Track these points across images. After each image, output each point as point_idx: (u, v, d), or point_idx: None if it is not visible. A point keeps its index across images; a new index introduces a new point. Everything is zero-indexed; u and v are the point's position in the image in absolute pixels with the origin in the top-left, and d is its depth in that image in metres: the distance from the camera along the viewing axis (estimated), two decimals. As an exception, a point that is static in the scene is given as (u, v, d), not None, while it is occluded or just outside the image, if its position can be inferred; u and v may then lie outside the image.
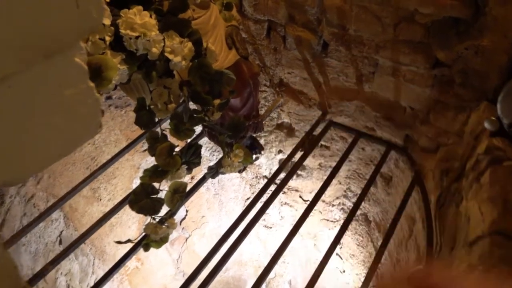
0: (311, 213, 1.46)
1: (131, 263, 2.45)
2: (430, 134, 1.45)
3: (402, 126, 1.56)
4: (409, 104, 1.47)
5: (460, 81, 1.29)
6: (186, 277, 2.99)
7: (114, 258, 2.14)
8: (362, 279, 2.25)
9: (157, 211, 1.22)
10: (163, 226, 1.21)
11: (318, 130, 1.77)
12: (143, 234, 1.25)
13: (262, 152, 2.19)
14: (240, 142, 1.50)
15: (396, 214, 1.35)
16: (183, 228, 2.77)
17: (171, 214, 1.26)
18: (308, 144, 1.68)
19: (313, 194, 2.37)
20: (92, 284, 1.99)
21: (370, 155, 1.84)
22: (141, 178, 1.23)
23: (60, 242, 1.71)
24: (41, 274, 1.19)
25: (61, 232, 1.71)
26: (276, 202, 2.74)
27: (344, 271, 2.42)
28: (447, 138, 1.40)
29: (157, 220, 1.25)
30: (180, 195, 1.27)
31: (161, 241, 1.23)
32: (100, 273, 2.04)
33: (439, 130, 1.41)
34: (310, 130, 1.72)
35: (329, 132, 1.80)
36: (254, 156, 1.63)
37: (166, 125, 1.32)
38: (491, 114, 1.13)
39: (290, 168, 1.68)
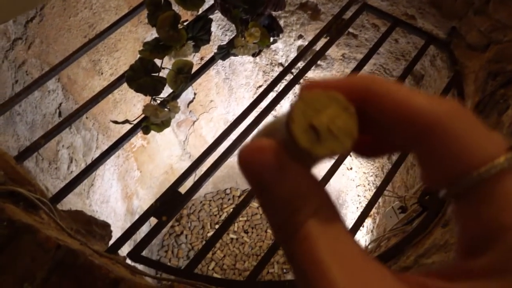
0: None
1: (136, 141, 2.42)
2: (483, 28, 1.22)
3: (450, 16, 1.32)
4: (466, -12, 1.21)
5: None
6: (192, 158, 3.01)
7: (118, 134, 2.08)
8: (370, 178, 2.23)
9: (158, 91, 1.09)
10: (165, 109, 1.09)
11: (348, 14, 1.52)
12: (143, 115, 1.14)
13: (280, 35, 1.96)
14: (257, 19, 1.29)
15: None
16: (190, 111, 2.68)
17: (174, 96, 1.13)
18: (336, 29, 1.46)
19: (330, 88, 2.21)
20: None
21: (403, 49, 1.62)
22: (140, 52, 1.06)
23: (60, 115, 1.62)
24: (33, 148, 1.11)
25: (60, 104, 1.61)
26: (289, 92, 2.60)
27: (351, 168, 2.38)
28: (504, 34, 1.17)
29: (158, 101, 1.12)
30: (185, 75, 1.12)
31: (162, 125, 1.13)
32: (105, 148, 2.01)
33: (496, 23, 1.18)
34: (339, 13, 1.48)
35: (360, 18, 1.56)
36: (271, 39, 1.42)
37: (172, -9, 1.11)
38: None
39: (310, 57, 1.49)
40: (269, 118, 2.80)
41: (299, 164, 0.20)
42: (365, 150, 0.24)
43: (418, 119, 0.19)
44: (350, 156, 2.35)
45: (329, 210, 0.20)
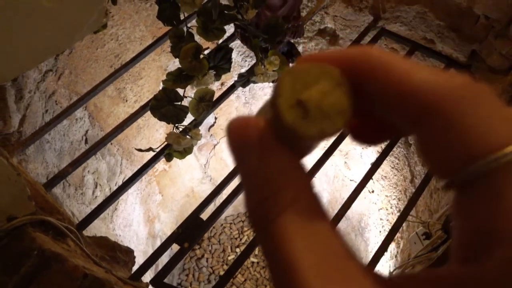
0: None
1: (159, 165, 2.47)
2: (504, 51, 1.21)
3: (470, 40, 1.32)
4: (485, 12, 1.21)
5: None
6: (213, 181, 3.01)
7: (142, 159, 2.14)
8: (392, 201, 2.19)
9: (180, 119, 1.12)
10: (187, 137, 1.11)
11: (367, 39, 1.54)
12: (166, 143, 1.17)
13: (299, 61, 1.99)
14: (276, 47, 1.32)
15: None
16: (211, 135, 2.72)
17: (195, 124, 1.15)
18: (354, 54, 1.47)
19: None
20: (120, 183, 2.01)
21: (422, 72, 1.62)
22: (163, 82, 1.10)
23: (86, 141, 1.68)
24: (61, 175, 1.15)
25: (87, 131, 1.67)
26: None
27: (373, 191, 2.35)
28: (526, 57, 1.16)
29: (180, 129, 1.15)
30: (207, 103, 1.15)
31: (184, 152, 1.15)
32: (128, 173, 2.05)
33: (517, 47, 1.17)
34: (357, 39, 1.50)
35: (378, 42, 1.57)
36: (290, 65, 1.45)
37: (194, 22, 1.16)
38: None
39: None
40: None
41: (282, 144, 0.18)
42: (363, 134, 0.22)
43: (419, 97, 0.16)
44: (372, 179, 2.32)
45: (309, 200, 0.17)
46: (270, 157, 0.18)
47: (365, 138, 0.22)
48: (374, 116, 0.20)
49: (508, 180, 0.15)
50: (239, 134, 0.18)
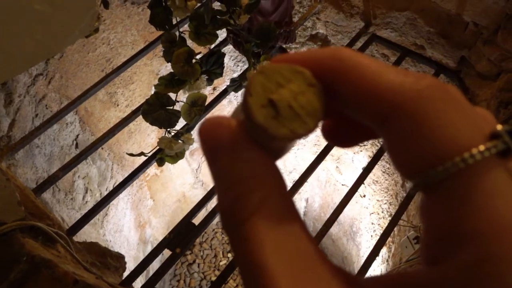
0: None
1: (150, 170, 2.45)
2: (492, 57, 1.23)
3: (459, 46, 1.34)
4: (474, 19, 1.23)
5: (547, -7, 1.04)
6: (204, 186, 3.00)
7: (133, 164, 2.12)
8: (383, 206, 2.20)
9: (172, 124, 1.11)
10: (179, 141, 1.11)
11: (358, 45, 1.56)
12: (158, 147, 1.16)
13: (291, 66, 2.00)
14: (268, 52, 1.33)
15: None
16: (203, 139, 2.72)
17: (188, 128, 1.15)
18: (345, 60, 1.49)
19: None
20: (111, 188, 2.00)
21: (413, 78, 1.64)
22: (155, 86, 1.10)
23: (77, 146, 1.66)
24: (51, 180, 1.14)
25: (77, 136, 1.65)
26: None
27: (364, 196, 2.36)
28: (514, 63, 1.18)
29: (172, 134, 1.15)
30: (199, 108, 1.14)
31: (176, 157, 1.15)
32: (119, 178, 2.04)
33: (505, 52, 1.19)
34: (349, 44, 1.51)
35: (369, 48, 1.59)
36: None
37: (186, 27, 1.16)
38: None
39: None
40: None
41: (253, 145, 0.17)
42: (336, 136, 0.21)
43: (387, 97, 0.16)
44: (363, 183, 2.33)
45: (280, 201, 0.17)
46: (241, 157, 0.17)
47: (338, 139, 0.22)
48: (346, 118, 0.20)
49: (473, 181, 0.15)
50: (210, 134, 0.18)
